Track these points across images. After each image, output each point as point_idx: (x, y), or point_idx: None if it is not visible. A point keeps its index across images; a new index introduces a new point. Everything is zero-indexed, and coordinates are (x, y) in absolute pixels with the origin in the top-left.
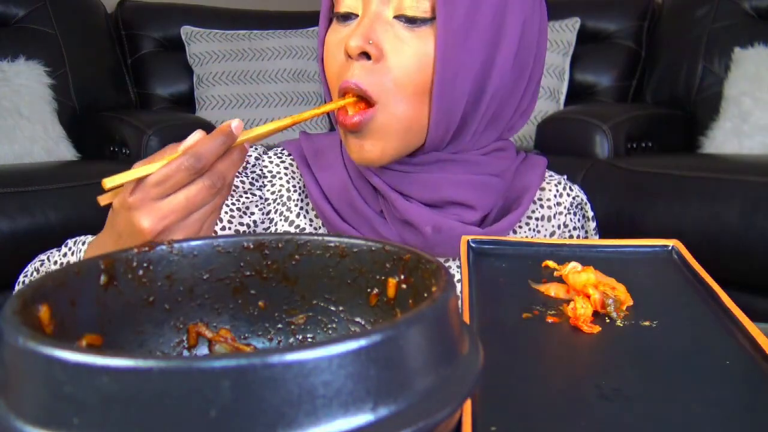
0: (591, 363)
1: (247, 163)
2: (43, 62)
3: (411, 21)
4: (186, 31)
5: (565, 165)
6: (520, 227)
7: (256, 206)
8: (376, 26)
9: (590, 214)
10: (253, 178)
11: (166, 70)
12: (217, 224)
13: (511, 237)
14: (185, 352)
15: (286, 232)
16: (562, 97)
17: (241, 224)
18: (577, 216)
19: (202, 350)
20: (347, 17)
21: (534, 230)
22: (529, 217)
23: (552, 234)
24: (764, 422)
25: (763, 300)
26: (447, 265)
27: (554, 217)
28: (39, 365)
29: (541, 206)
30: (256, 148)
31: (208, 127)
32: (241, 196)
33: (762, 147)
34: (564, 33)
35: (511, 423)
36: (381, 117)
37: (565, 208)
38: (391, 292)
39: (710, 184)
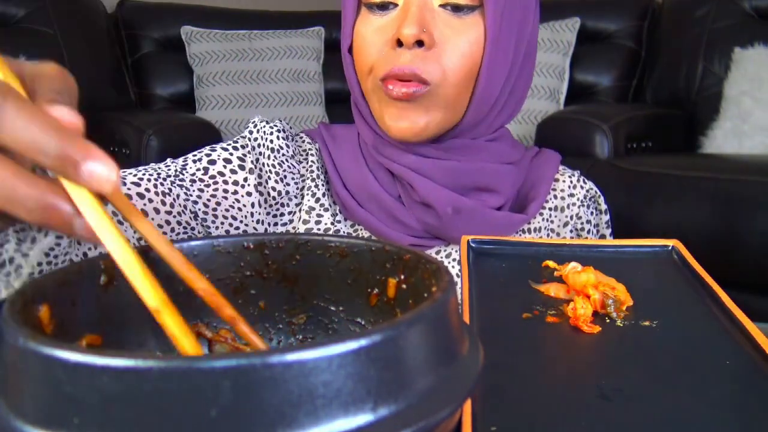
0: (591, 363)
1: (289, 134)
2: None
3: (457, 9)
4: (186, 31)
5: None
6: (534, 217)
7: (293, 179)
8: (425, 15)
9: (603, 207)
10: (295, 150)
11: (166, 70)
12: (255, 179)
13: (511, 237)
14: None
15: (286, 233)
16: (562, 97)
17: (273, 189)
18: (590, 209)
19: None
20: (384, 7)
21: (547, 220)
22: (543, 207)
23: (565, 225)
24: (764, 422)
25: (763, 300)
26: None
27: (567, 207)
28: (39, 365)
29: (555, 197)
30: (288, 128)
31: (208, 128)
32: (282, 163)
33: (762, 147)
34: (564, 33)
35: (511, 423)
36: (432, 94)
37: (578, 200)
38: (391, 292)
39: (710, 184)
